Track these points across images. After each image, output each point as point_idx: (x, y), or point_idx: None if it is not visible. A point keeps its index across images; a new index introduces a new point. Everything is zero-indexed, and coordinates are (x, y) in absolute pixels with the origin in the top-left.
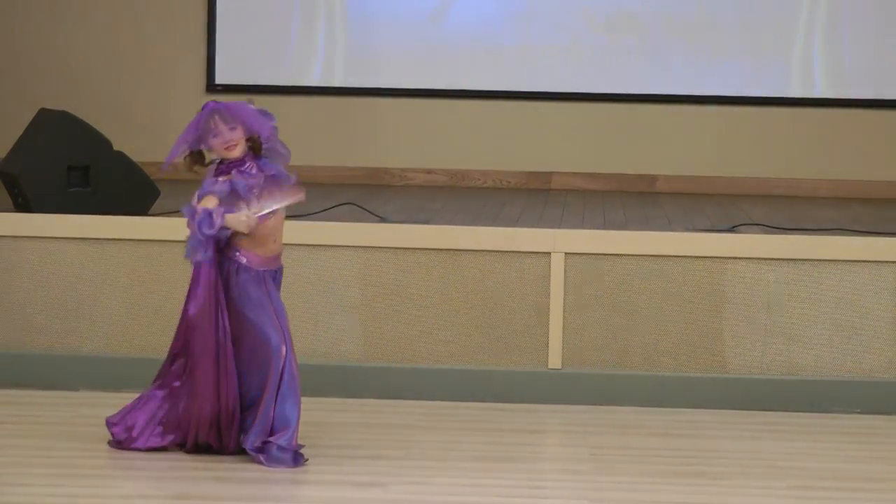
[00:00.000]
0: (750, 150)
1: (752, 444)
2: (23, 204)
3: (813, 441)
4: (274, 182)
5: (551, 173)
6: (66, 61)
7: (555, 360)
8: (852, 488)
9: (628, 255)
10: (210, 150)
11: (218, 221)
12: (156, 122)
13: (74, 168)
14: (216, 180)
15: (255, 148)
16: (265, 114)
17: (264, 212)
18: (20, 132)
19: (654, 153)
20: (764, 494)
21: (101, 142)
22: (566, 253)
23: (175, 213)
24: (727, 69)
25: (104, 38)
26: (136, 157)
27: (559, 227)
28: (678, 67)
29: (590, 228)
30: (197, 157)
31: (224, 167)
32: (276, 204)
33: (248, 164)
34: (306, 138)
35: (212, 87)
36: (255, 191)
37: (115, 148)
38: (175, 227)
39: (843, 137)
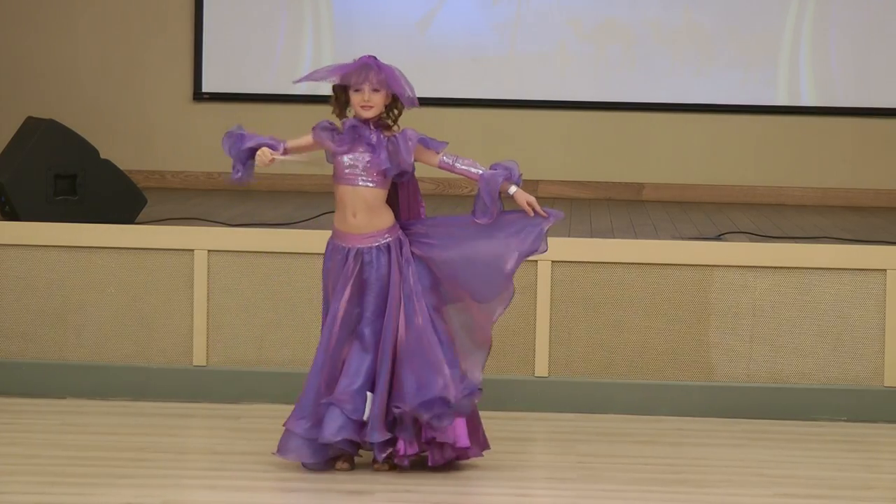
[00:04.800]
0: (737, 159)
1: (738, 452)
2: (9, 212)
3: (799, 449)
4: (370, 150)
5: (538, 181)
6: (54, 70)
7: (541, 368)
8: (838, 496)
9: (615, 262)
10: (348, 101)
11: (238, 144)
12: (143, 131)
13: (61, 176)
14: (330, 125)
15: (391, 114)
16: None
17: (279, 159)
18: (7, 140)
19: (640, 161)
20: (750, 502)
21: (88, 150)
22: (553, 261)
23: (162, 221)
24: (714, 78)
25: (92, 47)
26: (123, 166)
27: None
28: (665, 76)
29: (577, 236)
30: (343, 103)
31: (350, 120)
32: (294, 157)
33: (370, 127)
34: None
35: (199, 95)
36: (325, 135)
37: (103, 156)
38: (162, 236)
39: (829, 146)
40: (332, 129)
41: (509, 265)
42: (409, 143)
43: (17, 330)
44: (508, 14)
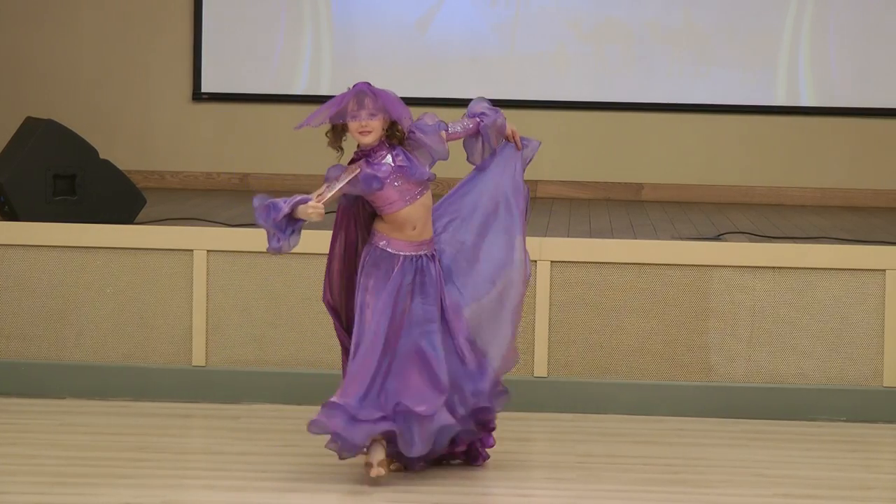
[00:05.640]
0: (736, 159)
1: (737, 452)
2: (8, 212)
3: (798, 449)
4: (402, 172)
5: (537, 181)
6: (53, 70)
7: (541, 368)
8: (837, 496)
9: (614, 263)
10: (347, 130)
11: (273, 214)
12: (142, 131)
13: (60, 177)
14: (339, 166)
15: (394, 136)
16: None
17: (327, 197)
18: (6, 141)
19: (640, 161)
20: (749, 502)
21: (87, 150)
22: (552, 261)
23: (161, 221)
24: (713, 78)
25: (91, 47)
26: (122, 166)
27: (545, 235)
28: (664, 76)
29: (576, 237)
30: (339, 132)
31: (358, 153)
32: (336, 187)
33: (380, 153)
34: (293, 147)
35: (198, 95)
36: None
37: (102, 156)
38: (161, 236)
39: (828, 146)
40: (344, 171)
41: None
42: (432, 136)
43: (17, 330)
44: (508, 14)
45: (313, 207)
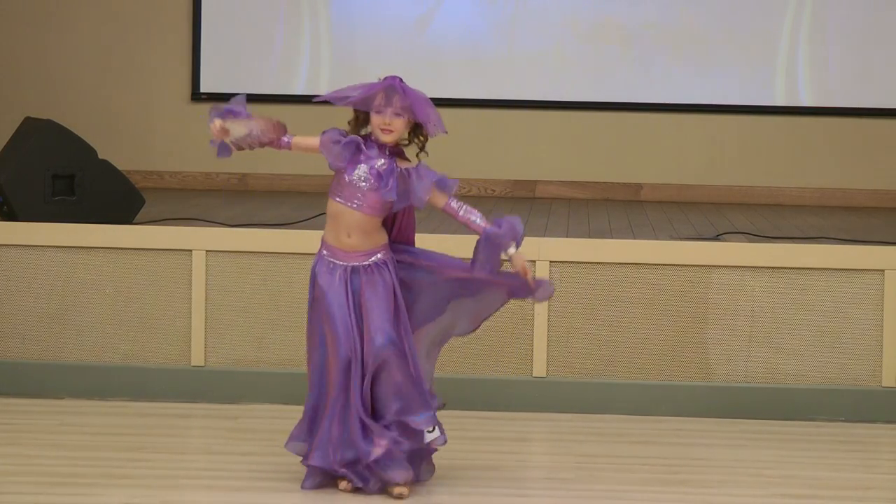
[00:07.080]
0: (734, 159)
1: (736, 453)
2: (7, 212)
3: (797, 449)
4: (374, 178)
5: (536, 181)
6: (52, 70)
7: (539, 369)
8: (837, 496)
9: (613, 263)
10: (368, 121)
11: (227, 109)
12: (141, 131)
13: (59, 177)
14: (337, 130)
15: (418, 138)
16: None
17: (227, 125)
18: (5, 141)
19: (639, 162)
20: (749, 502)
21: (86, 150)
22: (551, 261)
23: (160, 221)
24: (712, 78)
25: (90, 47)
26: (121, 166)
27: (544, 235)
28: (663, 76)
29: (575, 237)
30: (362, 122)
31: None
32: (250, 126)
33: (373, 150)
34: None
35: (197, 95)
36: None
37: (101, 156)
38: (160, 236)
39: (827, 146)
40: (338, 140)
41: (491, 310)
42: (425, 181)
43: (16, 330)
44: (506, 14)
45: (213, 126)
